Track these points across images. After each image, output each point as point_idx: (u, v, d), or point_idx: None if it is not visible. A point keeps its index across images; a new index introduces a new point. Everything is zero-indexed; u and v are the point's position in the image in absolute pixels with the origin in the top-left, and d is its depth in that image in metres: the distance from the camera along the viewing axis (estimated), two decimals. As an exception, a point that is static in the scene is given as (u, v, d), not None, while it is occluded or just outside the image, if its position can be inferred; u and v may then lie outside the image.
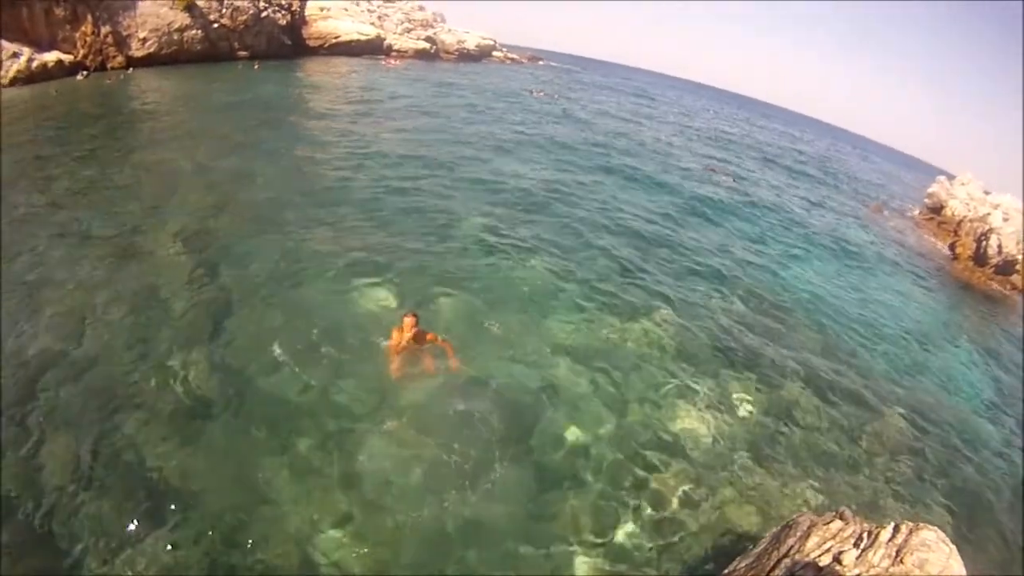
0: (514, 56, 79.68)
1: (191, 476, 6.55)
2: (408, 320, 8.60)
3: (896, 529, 4.97)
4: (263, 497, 6.46)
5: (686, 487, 7.65)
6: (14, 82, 24.95)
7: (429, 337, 8.84)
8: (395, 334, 8.76)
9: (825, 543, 5.17)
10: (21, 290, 9.52)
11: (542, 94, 46.90)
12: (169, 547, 5.74)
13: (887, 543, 4.81)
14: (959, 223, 27.19)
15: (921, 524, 5.01)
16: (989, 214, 25.24)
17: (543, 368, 9.39)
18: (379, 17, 57.08)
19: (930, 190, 33.15)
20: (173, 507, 6.16)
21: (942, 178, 33.64)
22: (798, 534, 5.50)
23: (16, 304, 9.14)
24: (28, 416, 7.08)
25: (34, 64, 26.13)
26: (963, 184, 30.57)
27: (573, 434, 8.15)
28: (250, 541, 5.96)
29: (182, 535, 5.88)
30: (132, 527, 5.89)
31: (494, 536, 6.43)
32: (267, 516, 6.25)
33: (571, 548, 6.54)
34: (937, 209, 31.36)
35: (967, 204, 27.96)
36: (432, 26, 65.43)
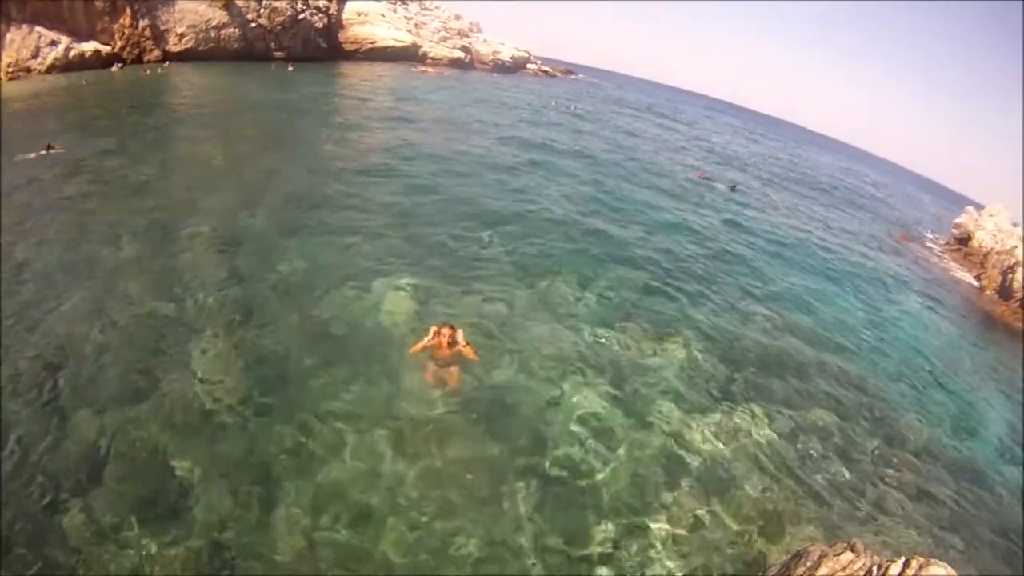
0: (547, 69, 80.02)
1: (203, 474, 6.53)
2: (447, 331, 8.77)
3: (907, 563, 4.86)
4: (274, 497, 6.42)
5: (697, 511, 7.49)
6: (51, 70, 25.84)
7: (457, 347, 8.89)
8: (428, 341, 8.85)
9: (835, 574, 5.13)
10: (45, 277, 9.79)
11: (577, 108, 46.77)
12: (177, 544, 5.72)
13: None
14: (986, 255, 26.46)
15: (932, 560, 4.90)
16: (1016, 247, 24.50)
17: (561, 382, 9.26)
18: (416, 24, 57.75)
19: (958, 220, 32.32)
20: (185, 504, 6.17)
21: (971, 208, 32.70)
22: (808, 564, 5.45)
23: (39, 290, 9.39)
24: (47, 402, 7.22)
25: (71, 53, 27.05)
26: (991, 215, 29.68)
27: (586, 452, 7.99)
28: (259, 541, 5.93)
29: (191, 532, 5.87)
30: (142, 521, 5.88)
31: (502, 551, 6.37)
32: (278, 517, 6.22)
33: (577, 569, 6.42)
34: (964, 240, 30.48)
35: (995, 236, 27.17)
36: (468, 35, 66.04)
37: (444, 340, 8.73)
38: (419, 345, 8.84)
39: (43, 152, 15.32)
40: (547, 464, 7.66)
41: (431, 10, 61.98)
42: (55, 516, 5.82)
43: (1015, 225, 27.95)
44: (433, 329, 8.86)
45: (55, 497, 6.01)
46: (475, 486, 7.06)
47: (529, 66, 75.78)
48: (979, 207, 32.63)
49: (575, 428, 8.41)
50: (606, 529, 6.94)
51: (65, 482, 6.19)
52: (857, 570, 5.08)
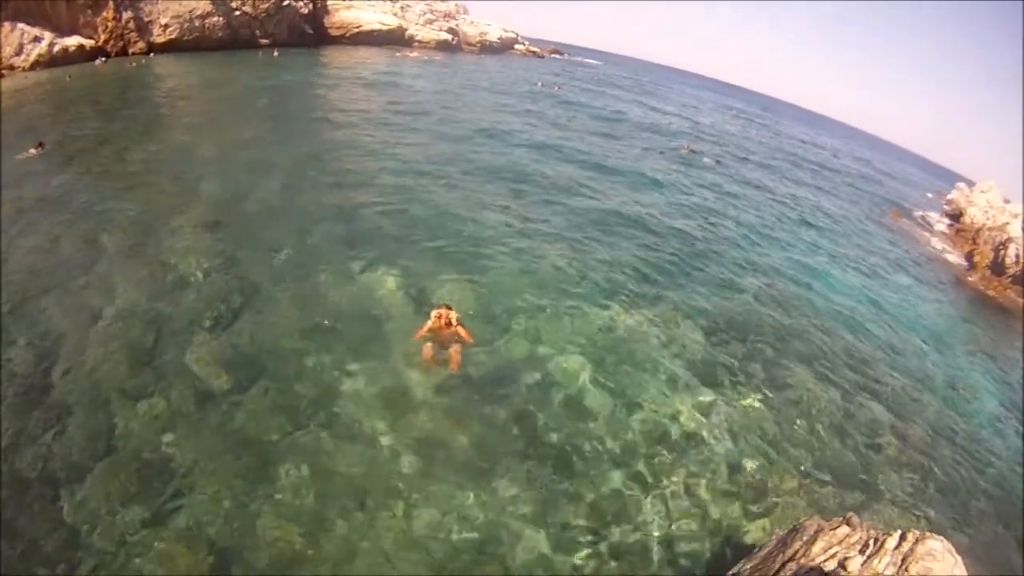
0: (535, 50, 79.26)
1: (202, 466, 6.58)
2: (444, 312, 8.95)
3: (902, 537, 4.96)
4: (273, 485, 6.47)
5: (693, 487, 7.62)
6: (35, 66, 25.41)
7: (453, 329, 9.02)
8: (427, 323, 8.98)
9: (831, 548, 5.19)
10: (36, 273, 9.76)
11: (540, 84, 46.21)
12: (176, 538, 5.77)
13: (893, 551, 4.82)
14: (977, 231, 26.63)
15: (927, 533, 4.99)
16: (1008, 223, 24.66)
17: (558, 363, 9.37)
18: (401, 7, 57.07)
19: (949, 197, 32.47)
20: (178, 492, 6.22)
21: (962, 185, 32.93)
22: (804, 538, 5.51)
23: (33, 286, 9.35)
24: (42, 399, 7.22)
25: (55, 49, 26.59)
26: (983, 192, 29.86)
27: (582, 432, 8.11)
28: (257, 529, 5.98)
29: (189, 526, 5.92)
30: (137, 515, 5.92)
31: (500, 533, 6.46)
32: (277, 505, 6.26)
33: (576, 547, 6.53)
34: (956, 216, 30.72)
35: (986, 212, 27.34)
36: (454, 17, 65.31)
37: (443, 322, 8.89)
38: (423, 329, 8.98)
39: (34, 150, 15.11)
40: (543, 445, 7.79)
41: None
42: (50, 511, 5.87)
43: (1006, 202, 28.09)
44: (435, 313, 8.99)
45: (49, 492, 6.06)
46: (473, 468, 7.19)
47: (517, 47, 75.10)
48: (970, 184, 32.73)
49: (569, 408, 8.56)
50: (601, 507, 7.07)
51: (60, 477, 6.25)
52: (853, 544, 5.22)
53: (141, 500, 6.08)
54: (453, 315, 9.03)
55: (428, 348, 8.74)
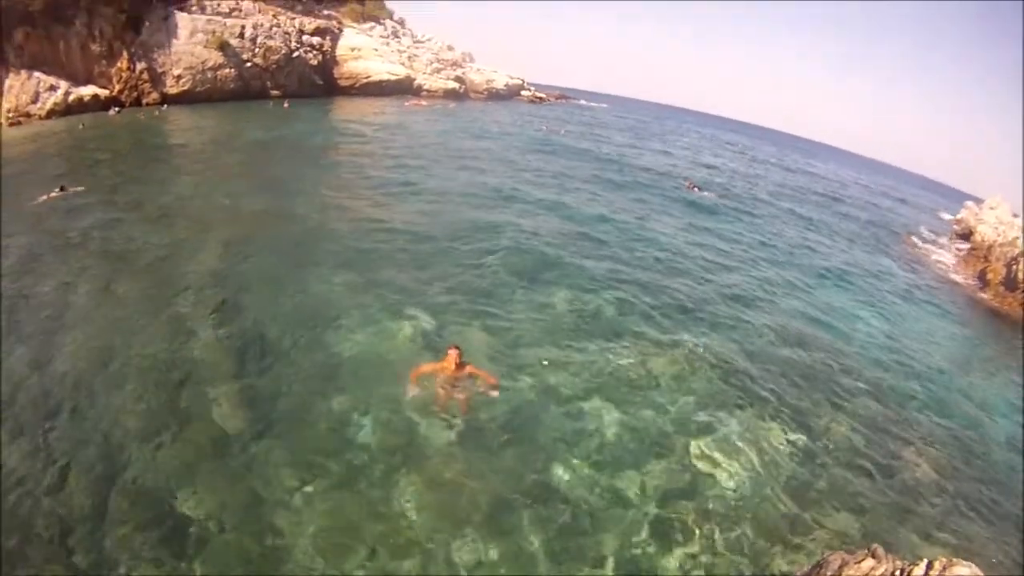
0: (541, 95, 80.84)
1: (213, 510, 6.54)
2: (452, 352, 8.74)
3: (930, 566, 4.80)
4: (285, 533, 6.40)
5: (714, 526, 7.46)
6: (51, 114, 26.27)
7: (468, 369, 8.89)
8: (436, 365, 8.87)
9: None
10: (48, 319, 9.96)
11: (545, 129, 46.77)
12: None
13: None
14: (989, 248, 26.22)
15: (955, 560, 4.84)
16: (1018, 237, 24.37)
17: (573, 401, 9.32)
18: (409, 57, 58.55)
19: (959, 216, 32.14)
20: (193, 540, 6.16)
21: (970, 203, 32.61)
22: (828, 573, 5.40)
23: (43, 330, 9.56)
24: (50, 440, 7.26)
25: (71, 98, 27.53)
26: (992, 208, 29.37)
27: (601, 472, 8.01)
28: None
29: (200, 570, 5.85)
30: (151, 559, 5.89)
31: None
32: (289, 554, 6.19)
33: None
34: (966, 235, 30.29)
35: (996, 228, 26.92)
36: (461, 66, 66.92)
37: (452, 362, 8.67)
38: (424, 368, 8.86)
39: (55, 193, 15.77)
40: (560, 488, 7.60)
41: (423, 43, 62.89)
42: (59, 556, 5.80)
43: (1015, 216, 27.81)
44: (452, 353, 8.81)
45: (58, 537, 6.00)
46: (487, 513, 7.00)
47: (523, 93, 76.66)
48: (979, 201, 32.48)
49: (586, 448, 8.38)
50: (622, 548, 6.87)
51: (69, 522, 6.18)
52: (880, 575, 5.00)
53: (153, 547, 6.01)
54: (457, 354, 8.83)
55: (438, 389, 8.68)
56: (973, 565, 4.73)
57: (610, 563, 6.65)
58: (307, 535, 6.34)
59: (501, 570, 6.33)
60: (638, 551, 6.89)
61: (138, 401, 8.07)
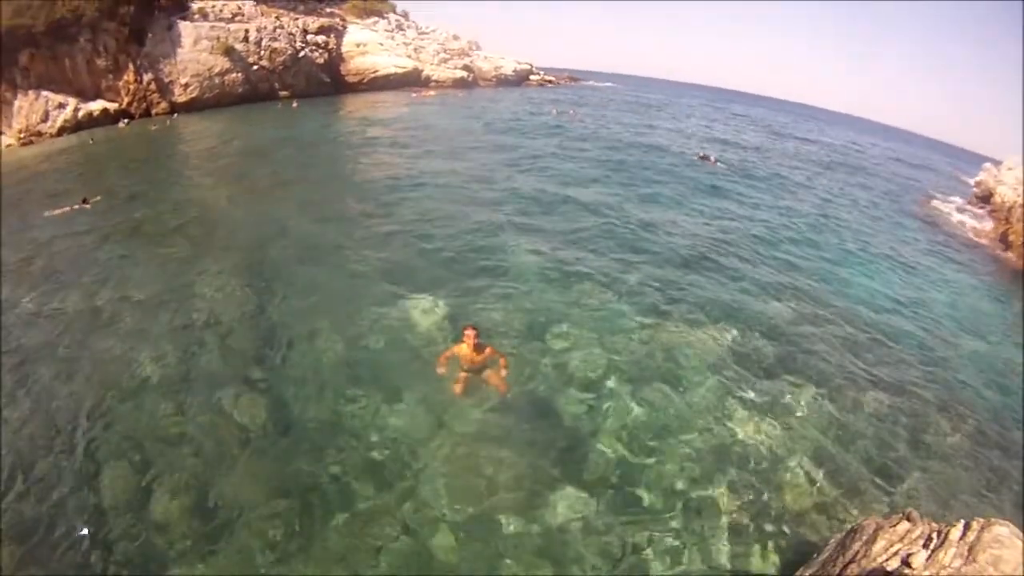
0: (551, 79, 79.93)
1: (243, 506, 6.59)
2: (469, 332, 8.63)
3: (967, 527, 4.72)
4: (315, 524, 6.44)
5: (747, 497, 7.41)
6: (61, 131, 26.42)
7: (488, 351, 8.78)
8: (455, 347, 8.83)
9: (892, 546, 5.02)
10: (72, 323, 10.22)
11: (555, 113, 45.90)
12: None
13: (958, 541, 4.59)
14: (1010, 209, 25.32)
15: (993, 520, 4.74)
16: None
17: (598, 380, 9.21)
18: (415, 49, 58.10)
19: (978, 178, 31.21)
20: (225, 540, 6.20)
21: (988, 165, 31.68)
22: (863, 539, 5.36)
23: (71, 335, 9.83)
24: (82, 444, 7.39)
25: (80, 113, 27.65)
26: (1010, 169, 28.39)
27: (630, 447, 7.94)
28: (301, 569, 5.95)
29: (233, 565, 5.93)
30: (181, 556, 5.99)
31: (549, 557, 6.29)
32: (319, 544, 6.23)
33: (630, 561, 6.37)
34: (986, 197, 29.33)
35: (1016, 189, 25.94)
36: (468, 54, 66.30)
37: (470, 343, 8.55)
38: (445, 354, 8.80)
39: (77, 206, 16.17)
40: (591, 466, 7.55)
41: (428, 34, 62.41)
42: (81, 559, 5.90)
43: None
44: (467, 334, 8.71)
45: (80, 539, 6.10)
46: (519, 495, 6.98)
47: (532, 78, 75.88)
48: (996, 163, 31.53)
49: (615, 426, 8.30)
50: (658, 519, 6.89)
51: (105, 524, 6.31)
52: (916, 539, 4.94)
53: (176, 543, 6.12)
54: (475, 335, 8.71)
55: (459, 374, 8.60)
56: (1011, 524, 4.63)
57: (635, 537, 6.65)
58: (335, 528, 6.40)
59: (538, 543, 6.37)
60: (665, 520, 6.90)
61: (163, 401, 8.21)
